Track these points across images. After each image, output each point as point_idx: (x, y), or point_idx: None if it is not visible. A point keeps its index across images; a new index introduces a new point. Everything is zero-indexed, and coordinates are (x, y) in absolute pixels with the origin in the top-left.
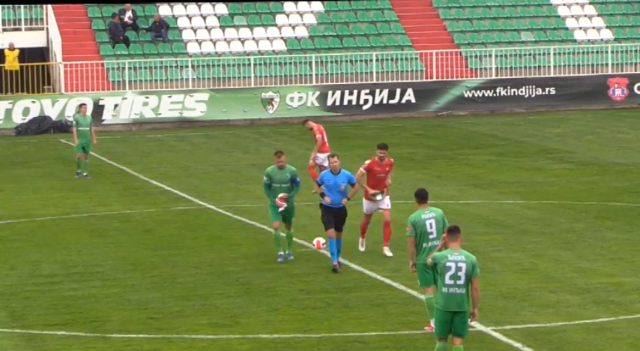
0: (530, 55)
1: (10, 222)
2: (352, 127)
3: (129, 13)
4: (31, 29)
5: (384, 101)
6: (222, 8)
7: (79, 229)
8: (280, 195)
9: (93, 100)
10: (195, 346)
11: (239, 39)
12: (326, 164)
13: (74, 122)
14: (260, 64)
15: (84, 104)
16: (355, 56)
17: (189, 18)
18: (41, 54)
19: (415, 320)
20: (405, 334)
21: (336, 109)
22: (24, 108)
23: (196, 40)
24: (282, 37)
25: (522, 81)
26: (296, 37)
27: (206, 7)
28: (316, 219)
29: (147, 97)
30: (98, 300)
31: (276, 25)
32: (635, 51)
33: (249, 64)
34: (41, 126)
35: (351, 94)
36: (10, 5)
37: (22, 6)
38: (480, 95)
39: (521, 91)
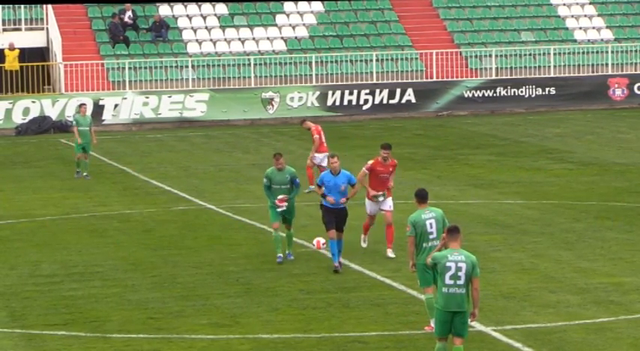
0: (530, 55)
1: (10, 222)
2: (352, 127)
3: (129, 13)
4: (31, 29)
5: (384, 101)
6: (222, 8)
7: (79, 229)
8: (280, 196)
9: (93, 100)
10: (196, 346)
11: (239, 39)
12: (324, 164)
13: (74, 122)
14: (260, 64)
15: (84, 104)
16: (355, 56)
17: (190, 18)
18: (41, 54)
19: (415, 320)
20: (406, 334)
21: (336, 109)
22: (24, 108)
23: (196, 40)
24: (282, 37)
25: (522, 81)
26: (296, 37)
27: (206, 7)
28: (316, 219)
29: (147, 97)
30: (98, 300)
31: (276, 25)
32: (635, 51)
33: (250, 64)
34: (41, 126)
35: (351, 94)
36: (10, 5)
37: (22, 6)
38: (480, 95)
39: (522, 91)
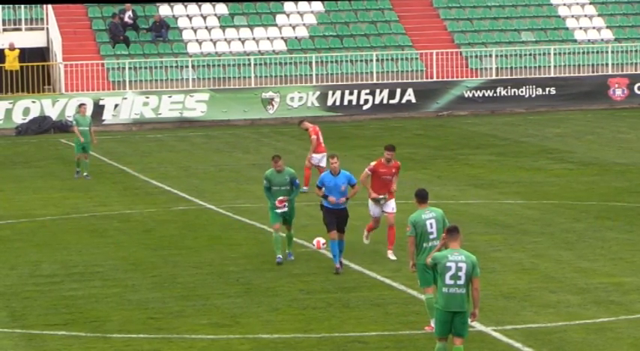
0: (530, 55)
1: (11, 222)
2: (352, 127)
3: (129, 13)
4: (31, 29)
5: (385, 101)
6: (222, 8)
7: (79, 229)
8: (280, 198)
9: (93, 100)
10: (196, 346)
11: (239, 39)
12: (322, 164)
13: (74, 122)
14: (260, 64)
15: (83, 104)
16: (355, 56)
17: (190, 18)
18: (41, 54)
19: (415, 320)
20: (406, 334)
21: (336, 109)
22: (24, 108)
23: (196, 40)
24: (282, 37)
25: (522, 81)
26: (296, 37)
27: (206, 7)
28: (316, 219)
29: (147, 97)
30: (98, 300)
31: (276, 25)
32: (636, 51)
33: (250, 64)
34: (41, 126)
35: (351, 94)
36: (11, 5)
37: (22, 6)
38: (480, 95)
39: (522, 91)
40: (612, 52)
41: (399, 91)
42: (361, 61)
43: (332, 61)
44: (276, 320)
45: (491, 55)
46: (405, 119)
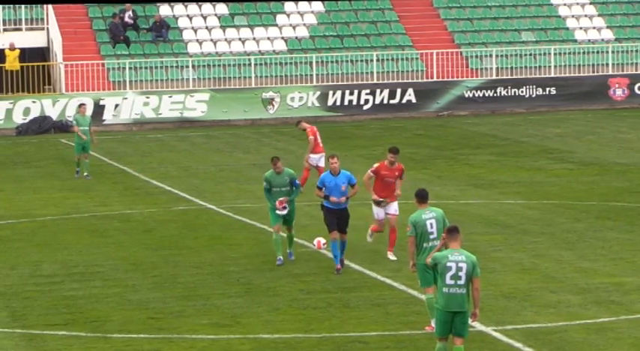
0: (530, 55)
1: (11, 222)
2: (353, 127)
3: (129, 13)
4: (31, 29)
5: (385, 101)
6: (222, 8)
7: (79, 229)
8: (280, 199)
9: (93, 100)
10: (196, 346)
11: (240, 39)
12: (320, 164)
13: (74, 122)
14: (261, 64)
15: (83, 104)
16: (356, 56)
17: (190, 18)
18: (42, 54)
19: (416, 320)
20: (406, 334)
21: (336, 109)
22: (24, 108)
23: (197, 40)
24: (282, 37)
25: (523, 81)
26: (296, 37)
27: (207, 7)
28: (317, 219)
29: (147, 97)
30: (99, 300)
31: (276, 25)
32: (636, 51)
33: (250, 64)
34: (42, 126)
35: (351, 94)
36: (11, 5)
37: (22, 6)
38: (481, 95)
39: (522, 91)
40: (612, 52)
41: (399, 91)
42: (361, 61)
43: (332, 61)
44: (277, 320)
45: (491, 55)
46: (405, 119)
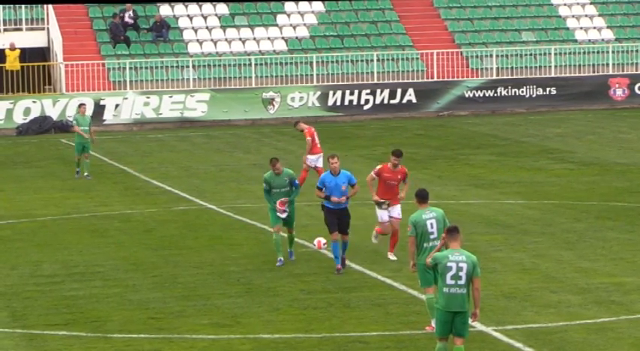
0: (531, 55)
1: (11, 222)
2: (353, 127)
3: (130, 13)
4: (32, 29)
5: (385, 101)
6: (223, 8)
7: (80, 229)
8: (281, 200)
9: (94, 100)
10: (197, 346)
11: (240, 39)
12: (319, 165)
13: (74, 122)
14: (261, 64)
15: (83, 104)
16: (356, 56)
17: (190, 18)
18: (42, 54)
19: (416, 320)
20: (406, 334)
21: (337, 109)
22: (25, 108)
23: (197, 40)
24: (283, 37)
25: (523, 81)
26: (297, 37)
27: (207, 7)
28: (317, 219)
29: (148, 97)
30: (99, 300)
31: (277, 25)
32: (636, 51)
33: (250, 64)
34: (42, 126)
35: (352, 94)
36: (11, 5)
37: (22, 6)
38: (481, 95)
39: (522, 91)
40: (613, 52)
41: (399, 91)
42: (362, 61)
43: (333, 61)
44: (277, 320)
45: (491, 55)
46: (405, 119)
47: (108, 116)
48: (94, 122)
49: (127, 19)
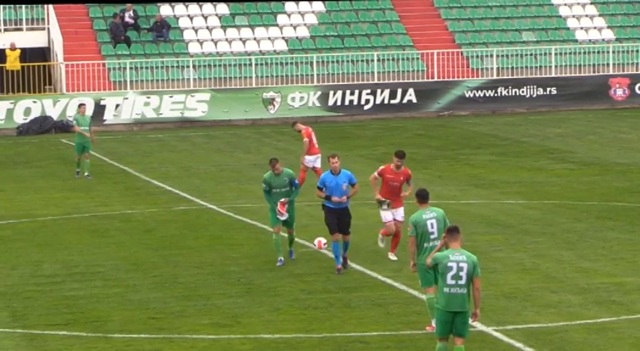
0: (531, 55)
1: (12, 222)
2: (353, 127)
3: (130, 13)
4: (32, 29)
5: (386, 101)
6: (223, 8)
7: (80, 229)
8: (281, 200)
9: (94, 100)
10: (197, 346)
11: (240, 39)
12: (317, 165)
13: (74, 122)
14: (261, 64)
15: (83, 104)
16: (356, 56)
17: (191, 18)
18: (42, 54)
19: (416, 320)
20: (407, 334)
21: (337, 109)
22: (25, 108)
23: (198, 40)
24: (283, 37)
25: (523, 81)
26: (297, 37)
27: (207, 7)
28: (317, 219)
29: (148, 97)
30: (99, 300)
31: (277, 25)
32: (637, 51)
33: (251, 64)
34: (42, 126)
35: (352, 94)
36: (12, 5)
37: (23, 6)
38: (481, 95)
39: (523, 91)
40: (613, 52)
41: (400, 91)
42: (362, 61)
43: (333, 61)
44: (278, 320)
45: (492, 55)
46: (406, 119)
47: (108, 116)
48: (95, 122)
49: (127, 19)
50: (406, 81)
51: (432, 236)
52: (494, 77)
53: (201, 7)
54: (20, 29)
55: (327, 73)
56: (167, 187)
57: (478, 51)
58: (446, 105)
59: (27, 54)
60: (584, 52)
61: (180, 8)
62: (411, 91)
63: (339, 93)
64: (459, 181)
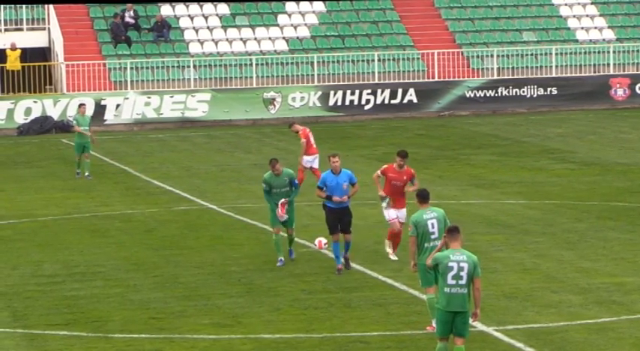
0: (532, 55)
1: (12, 222)
2: (354, 127)
3: (130, 13)
4: (32, 29)
5: (386, 101)
6: (224, 8)
7: (80, 229)
8: (281, 201)
9: (95, 100)
10: (197, 346)
11: (241, 39)
12: (315, 166)
13: (74, 122)
14: (262, 64)
15: (83, 104)
16: (357, 56)
17: (191, 18)
18: (43, 54)
19: (417, 320)
20: (407, 334)
21: (337, 109)
22: (26, 108)
23: (198, 40)
24: (283, 37)
25: (524, 81)
26: (298, 37)
27: (208, 7)
28: (318, 219)
29: (149, 97)
30: (100, 300)
31: (277, 25)
32: (637, 51)
33: (251, 64)
34: (43, 126)
35: (352, 94)
36: (12, 5)
37: (23, 6)
38: (482, 95)
39: (523, 91)
40: (614, 52)
41: (400, 91)
42: (363, 61)
43: (333, 61)
44: (278, 320)
45: (492, 55)
46: (406, 119)
47: (109, 116)
48: (96, 122)
49: (127, 19)
50: (407, 81)
51: (432, 236)
52: (495, 77)
53: (201, 7)
54: (21, 29)
55: (328, 73)
56: (168, 187)
57: (479, 51)
58: (446, 105)
59: (27, 54)
60: (585, 52)
61: (180, 8)
62: (411, 91)
63: (340, 93)
64: (459, 181)
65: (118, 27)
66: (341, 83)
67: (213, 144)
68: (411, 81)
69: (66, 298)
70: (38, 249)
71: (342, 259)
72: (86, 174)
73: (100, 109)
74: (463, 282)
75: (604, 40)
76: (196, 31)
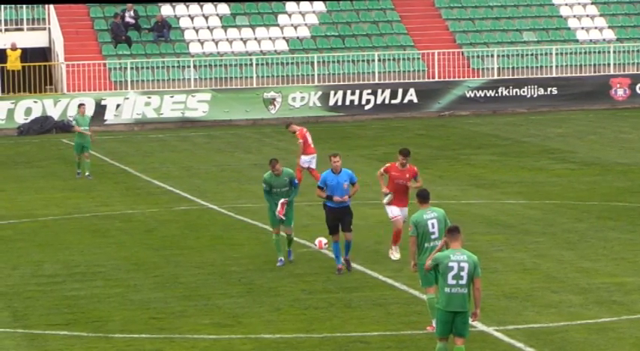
0: (532, 55)
1: (13, 222)
2: (354, 127)
3: (131, 13)
4: (33, 29)
5: (386, 101)
6: (224, 8)
7: (81, 229)
8: (281, 201)
9: (95, 100)
10: (198, 346)
11: (241, 39)
12: (313, 166)
13: (74, 122)
14: (262, 64)
15: (83, 104)
16: (357, 56)
17: (192, 18)
18: (43, 54)
19: (417, 320)
20: (407, 334)
21: (338, 109)
22: (26, 108)
23: (198, 40)
24: (284, 37)
25: (524, 81)
26: (298, 37)
27: (208, 7)
28: (318, 219)
29: (149, 97)
30: (100, 300)
31: (278, 25)
32: (638, 51)
33: (252, 64)
34: (43, 126)
35: (353, 94)
36: (12, 5)
37: (24, 6)
38: (482, 95)
39: (524, 91)
40: (614, 52)
41: (400, 91)
42: (363, 61)
43: (334, 61)
44: (278, 320)
45: (492, 55)
46: (406, 119)
47: (109, 116)
48: (96, 122)
49: (128, 19)
50: (407, 81)
51: (432, 236)
52: (495, 77)
53: (202, 7)
54: (21, 29)
55: (328, 73)
56: (168, 187)
57: (479, 51)
58: (447, 105)
59: (28, 54)
60: (585, 52)
61: (181, 8)
62: (411, 91)
63: (340, 93)
64: (459, 181)
65: (118, 27)
66: (341, 83)
67: (214, 144)
68: (412, 81)
69: (66, 298)
70: (38, 249)
71: (343, 260)
72: (86, 174)
73: (100, 109)
74: (463, 282)
75: (604, 40)
76: (196, 31)
